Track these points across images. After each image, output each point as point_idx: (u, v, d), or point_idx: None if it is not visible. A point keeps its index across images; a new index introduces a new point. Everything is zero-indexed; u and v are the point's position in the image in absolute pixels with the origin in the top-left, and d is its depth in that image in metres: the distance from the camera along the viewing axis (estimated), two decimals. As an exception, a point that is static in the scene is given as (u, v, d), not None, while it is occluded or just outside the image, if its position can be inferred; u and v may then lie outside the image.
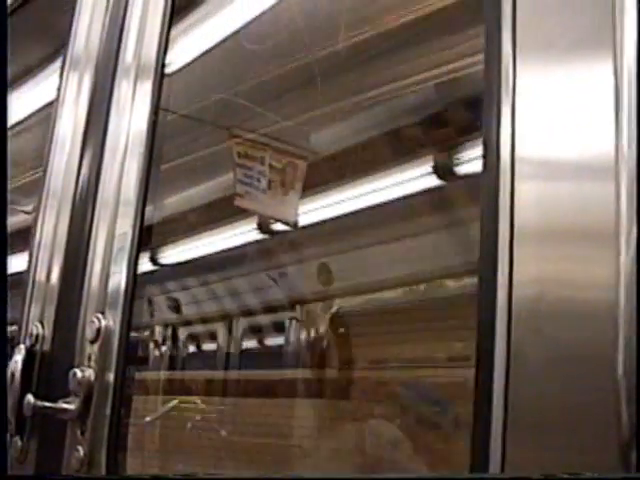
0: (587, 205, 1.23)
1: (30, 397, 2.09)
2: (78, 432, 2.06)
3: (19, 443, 2.23)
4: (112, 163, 2.24)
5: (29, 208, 2.79)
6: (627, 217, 1.11)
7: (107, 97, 2.33)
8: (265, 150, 3.16)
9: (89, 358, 2.08)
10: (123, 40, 2.35)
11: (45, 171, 2.50)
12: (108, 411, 2.03)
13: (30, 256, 2.44)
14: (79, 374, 2.06)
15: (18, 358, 2.20)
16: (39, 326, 2.26)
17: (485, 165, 1.39)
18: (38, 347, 2.23)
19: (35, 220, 2.47)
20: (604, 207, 1.16)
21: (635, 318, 1.08)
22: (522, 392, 1.23)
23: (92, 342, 2.08)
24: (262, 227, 3.72)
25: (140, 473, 2.50)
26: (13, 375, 2.17)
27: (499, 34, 1.37)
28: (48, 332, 2.24)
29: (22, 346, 2.23)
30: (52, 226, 2.37)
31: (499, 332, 1.28)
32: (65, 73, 2.56)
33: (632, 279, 1.09)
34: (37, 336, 2.24)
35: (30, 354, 2.20)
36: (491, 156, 1.36)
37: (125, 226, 2.13)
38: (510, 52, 1.36)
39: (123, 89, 2.30)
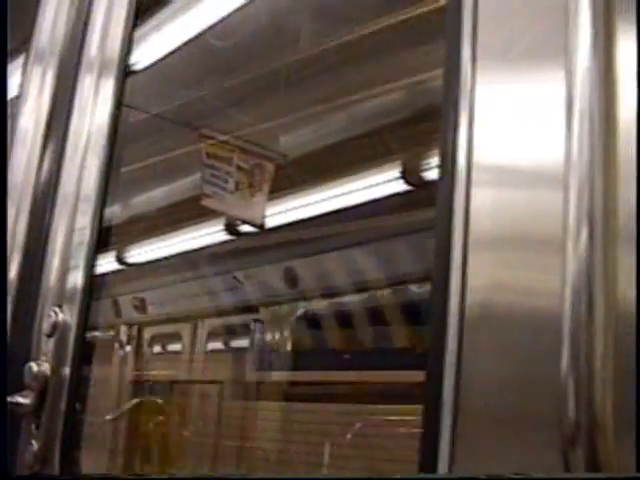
0: (540, 212, 1.24)
1: (-20, 389, 2.07)
2: (33, 427, 2.05)
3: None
4: (73, 158, 2.23)
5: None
6: (575, 224, 1.12)
7: (70, 92, 2.32)
8: (233, 151, 3.15)
9: (45, 352, 2.07)
10: (87, 35, 2.33)
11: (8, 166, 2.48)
12: (63, 406, 2.02)
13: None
14: (35, 368, 2.04)
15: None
16: (-4, 319, 2.24)
17: (441, 171, 1.40)
18: (-5, 341, 2.20)
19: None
20: (557, 214, 1.17)
21: (582, 322, 1.10)
22: (473, 394, 1.24)
23: (49, 336, 2.07)
24: (230, 228, 3.72)
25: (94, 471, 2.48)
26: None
27: (459, 42, 1.38)
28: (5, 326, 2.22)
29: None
30: (11, 221, 2.36)
31: (451, 336, 1.28)
32: (28, 67, 2.55)
33: (578, 284, 1.10)
34: (-6, 329, 2.22)
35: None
36: (447, 162, 1.37)
37: (84, 221, 2.13)
38: (469, 60, 1.37)
39: (86, 85, 2.29)
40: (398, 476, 1.38)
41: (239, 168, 3.09)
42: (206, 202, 3.11)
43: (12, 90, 2.64)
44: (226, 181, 3.07)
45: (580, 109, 1.15)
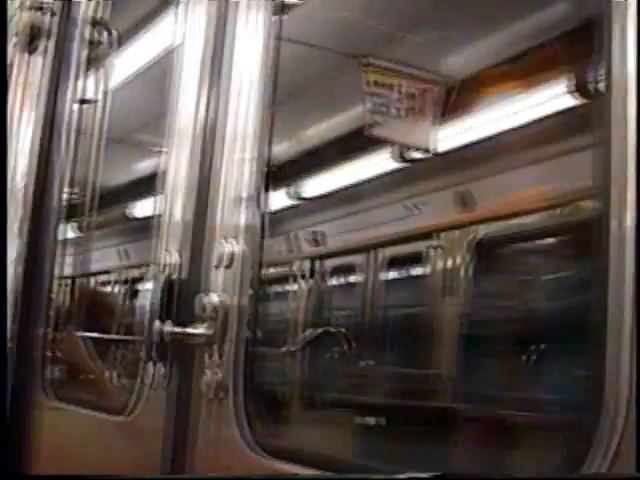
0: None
1: (168, 324, 2.14)
2: (216, 356, 2.10)
3: (162, 370, 2.25)
4: (237, 96, 2.24)
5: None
6: None
7: (231, 30, 2.31)
8: (397, 77, 3.11)
9: (219, 284, 2.11)
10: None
11: (169, 112, 2.50)
12: (244, 335, 2.06)
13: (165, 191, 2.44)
14: (206, 299, 2.10)
15: (157, 287, 2.24)
16: (176, 255, 2.29)
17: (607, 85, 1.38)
18: (176, 275, 2.25)
19: (166, 159, 2.49)
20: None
21: None
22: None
23: (226, 267, 2.12)
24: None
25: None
26: (153, 304, 2.21)
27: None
28: (185, 261, 2.26)
29: (161, 275, 2.25)
30: (175, 159, 2.41)
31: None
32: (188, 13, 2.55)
33: None
34: (173, 265, 2.27)
35: (168, 282, 2.23)
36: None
37: (252, 154, 2.14)
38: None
39: (241, 23, 2.30)
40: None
41: (404, 93, 3.06)
42: (370, 131, 3.11)
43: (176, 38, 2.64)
44: (391, 108, 3.05)
45: None
